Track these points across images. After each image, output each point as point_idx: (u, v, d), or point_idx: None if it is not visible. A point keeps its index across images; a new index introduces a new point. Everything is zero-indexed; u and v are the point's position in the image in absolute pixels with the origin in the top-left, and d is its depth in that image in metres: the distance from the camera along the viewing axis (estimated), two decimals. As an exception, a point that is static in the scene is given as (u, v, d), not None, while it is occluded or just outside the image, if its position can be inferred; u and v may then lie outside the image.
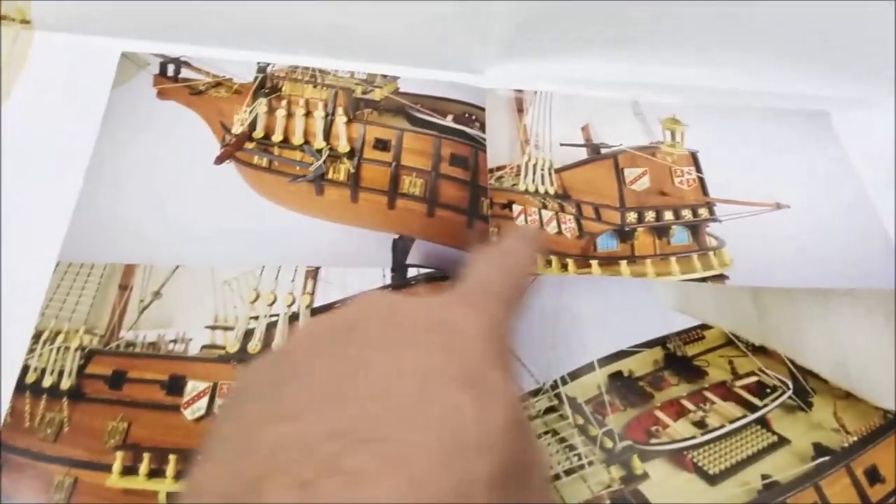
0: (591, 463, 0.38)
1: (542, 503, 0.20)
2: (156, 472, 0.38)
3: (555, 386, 0.41)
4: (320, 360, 0.20)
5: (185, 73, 0.54)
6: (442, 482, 0.17)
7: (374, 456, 0.17)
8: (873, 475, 0.38)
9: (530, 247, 0.29)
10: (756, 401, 0.41)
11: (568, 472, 0.38)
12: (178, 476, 0.38)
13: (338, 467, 0.17)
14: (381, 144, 0.52)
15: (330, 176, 0.50)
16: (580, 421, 0.40)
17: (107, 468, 0.38)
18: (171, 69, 0.54)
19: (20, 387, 0.40)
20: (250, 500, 0.16)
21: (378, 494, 0.16)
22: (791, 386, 0.41)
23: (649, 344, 0.43)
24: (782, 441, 0.39)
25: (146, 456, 0.39)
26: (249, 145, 0.51)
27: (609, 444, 0.39)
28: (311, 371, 0.19)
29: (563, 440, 0.39)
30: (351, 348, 0.20)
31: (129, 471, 0.38)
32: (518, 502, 0.18)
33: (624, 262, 0.47)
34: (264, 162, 0.51)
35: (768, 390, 0.41)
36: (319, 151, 0.51)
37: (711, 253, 0.48)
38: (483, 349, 0.20)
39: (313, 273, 0.45)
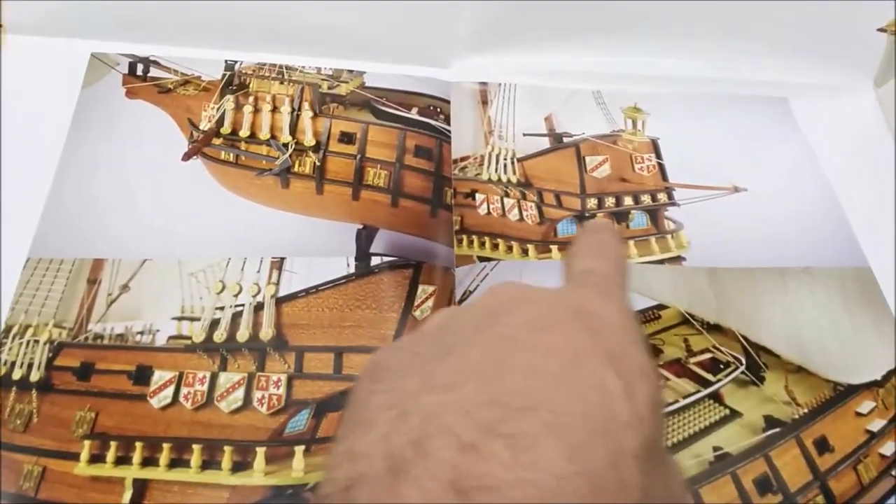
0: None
1: (674, 478, 0.21)
2: (122, 460, 0.39)
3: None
4: (472, 339, 0.21)
5: (153, 72, 0.55)
6: (597, 451, 0.18)
7: (533, 422, 0.18)
8: (823, 445, 0.39)
9: (615, 234, 0.28)
10: (709, 376, 0.42)
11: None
12: (145, 463, 0.39)
13: (498, 431, 0.17)
14: (347, 138, 0.53)
15: (296, 169, 0.51)
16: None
17: (75, 456, 0.39)
18: (139, 69, 0.55)
19: (-10, 380, 0.41)
20: (413, 459, 0.17)
21: (541, 457, 0.17)
22: (744, 361, 0.42)
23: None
24: (734, 414, 0.40)
25: (113, 444, 0.40)
26: (217, 141, 0.52)
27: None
28: (464, 349, 0.20)
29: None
30: (500, 329, 0.21)
31: (96, 458, 0.39)
32: (656, 478, 0.19)
33: (583, 247, 0.48)
34: (231, 157, 0.52)
35: (721, 366, 0.42)
36: (286, 145, 0.52)
37: (669, 236, 0.49)
38: (623, 332, 0.21)
39: (278, 264, 0.46)
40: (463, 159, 0.53)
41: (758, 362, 0.43)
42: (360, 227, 0.49)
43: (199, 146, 0.52)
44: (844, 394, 0.41)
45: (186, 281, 0.46)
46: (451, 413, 0.18)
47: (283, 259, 0.47)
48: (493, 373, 0.19)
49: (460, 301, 0.46)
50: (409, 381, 0.20)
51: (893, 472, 0.37)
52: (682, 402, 0.41)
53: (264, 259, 0.47)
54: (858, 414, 0.40)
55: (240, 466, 0.39)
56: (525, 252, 0.48)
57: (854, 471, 0.38)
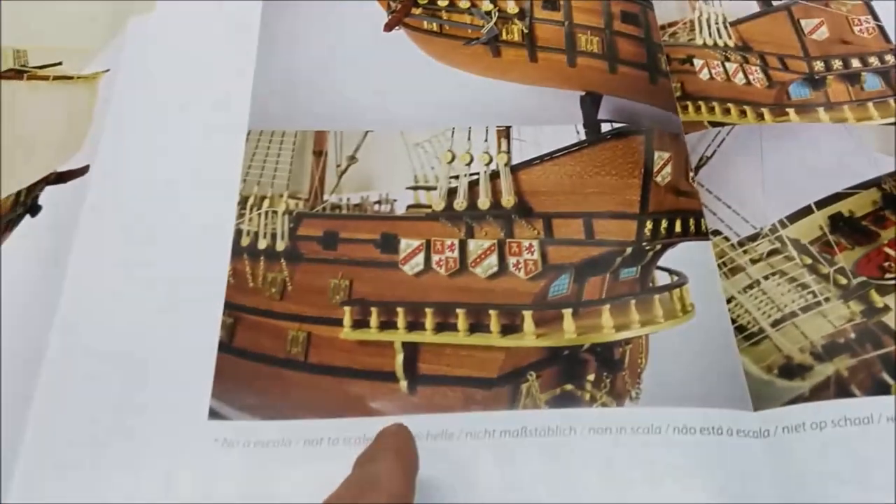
0: (827, 299, 0.38)
1: None
2: (386, 325, 0.39)
3: (774, 230, 0.41)
4: None
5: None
6: None
7: None
8: None
9: (397, 465, 0.29)
10: None
11: (804, 310, 0.38)
12: (410, 327, 0.39)
13: None
14: (550, 4, 0.50)
15: (504, 37, 0.49)
16: (808, 261, 0.40)
17: (338, 322, 0.39)
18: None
19: (236, 250, 0.41)
20: None
21: None
22: None
23: (864, 185, 0.42)
24: None
25: (374, 310, 0.39)
26: (416, 11, 0.50)
27: (843, 280, 0.39)
28: None
29: (792, 280, 0.39)
30: None
31: (359, 324, 0.39)
32: None
33: (821, 110, 0.46)
34: (434, 26, 0.49)
35: None
36: (489, 14, 0.49)
37: (909, 97, 0.47)
38: None
39: (505, 132, 0.45)
40: (671, 25, 0.51)
41: None
42: (583, 93, 0.46)
43: (399, 16, 0.50)
44: None
45: (413, 151, 0.44)
46: None
47: (509, 127, 0.45)
48: None
49: (697, 168, 0.44)
50: None
51: None
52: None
53: (490, 128, 0.45)
54: None
55: (508, 329, 0.38)
56: (760, 116, 0.46)
57: None
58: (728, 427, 0.35)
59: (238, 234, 0.41)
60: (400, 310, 0.39)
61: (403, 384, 0.37)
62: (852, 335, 0.37)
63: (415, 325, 0.39)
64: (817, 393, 0.35)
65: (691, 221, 0.42)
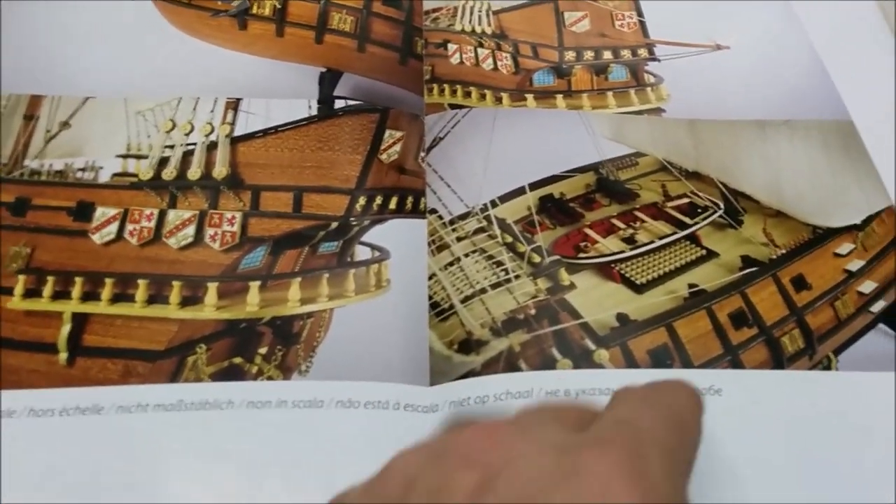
0: (517, 276, 0.37)
1: None
2: (61, 294, 0.36)
3: (484, 209, 0.40)
4: None
5: None
6: None
7: None
8: (800, 283, 0.37)
9: (694, 402, 0.23)
10: (686, 219, 0.40)
11: (494, 286, 0.37)
12: (85, 297, 0.36)
13: None
14: (310, -18, 0.49)
15: (254, 11, 0.47)
16: (508, 239, 0.39)
17: (8, 291, 0.36)
18: None
19: (-85, 214, 0.38)
20: None
21: None
22: (722, 206, 0.41)
23: (582, 169, 0.42)
24: (711, 254, 0.39)
25: (50, 279, 0.37)
26: (167, -19, 0.48)
27: (536, 259, 0.38)
28: None
29: (490, 257, 0.38)
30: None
31: (31, 293, 0.36)
32: None
33: (560, 97, 0.46)
34: (184, -3, 0.48)
35: (699, 210, 0.41)
36: (243, -13, 0.48)
37: (649, 88, 0.47)
38: None
39: (234, 104, 0.43)
40: (435, 10, 0.50)
41: (736, 207, 0.41)
42: (324, 70, 0.45)
43: (148, -15, 0.48)
44: (823, 236, 0.39)
45: (133, 119, 0.43)
46: None
47: (238, 99, 0.43)
48: None
49: (429, 148, 0.43)
50: None
51: (871, 309, 0.36)
52: (658, 243, 0.39)
53: (218, 99, 0.43)
54: (837, 255, 0.39)
55: (189, 301, 0.37)
56: (499, 100, 0.46)
57: (832, 307, 0.37)
58: (397, 401, 0.33)
59: (-81, 198, 0.39)
60: (78, 279, 0.37)
61: (63, 356, 0.35)
62: (532, 311, 0.36)
63: (91, 295, 0.37)
64: (488, 367, 0.34)
65: (409, 200, 0.41)
